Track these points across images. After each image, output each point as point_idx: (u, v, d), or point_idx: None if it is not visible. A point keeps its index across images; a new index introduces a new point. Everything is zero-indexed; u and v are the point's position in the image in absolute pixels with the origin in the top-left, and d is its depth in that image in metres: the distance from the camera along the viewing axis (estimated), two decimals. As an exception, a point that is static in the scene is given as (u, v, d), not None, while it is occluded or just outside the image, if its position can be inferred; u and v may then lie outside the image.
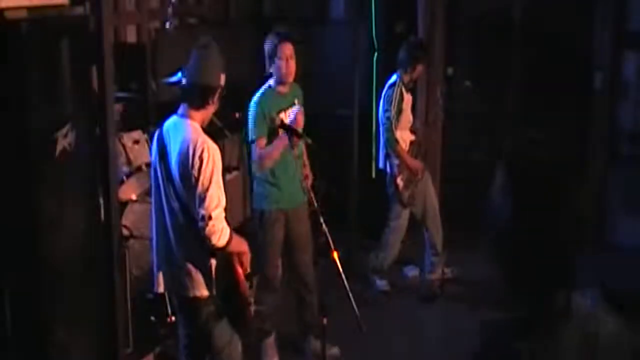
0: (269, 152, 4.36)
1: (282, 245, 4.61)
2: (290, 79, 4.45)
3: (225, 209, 3.47)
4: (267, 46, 4.42)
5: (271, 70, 4.45)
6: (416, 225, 5.93)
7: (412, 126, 5.75)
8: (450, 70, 6.95)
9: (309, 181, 4.61)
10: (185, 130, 3.48)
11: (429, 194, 5.85)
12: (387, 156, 5.67)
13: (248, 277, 3.66)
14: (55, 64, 3.62)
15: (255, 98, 4.45)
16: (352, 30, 6.35)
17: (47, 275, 3.63)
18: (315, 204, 4.05)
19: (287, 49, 4.38)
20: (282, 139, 4.32)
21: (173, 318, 4.49)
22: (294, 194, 4.53)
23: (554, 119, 6.69)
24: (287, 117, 4.43)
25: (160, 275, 3.68)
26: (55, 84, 3.64)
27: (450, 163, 6.88)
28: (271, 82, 4.49)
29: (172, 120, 3.60)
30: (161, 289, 3.73)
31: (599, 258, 6.58)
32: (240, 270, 3.60)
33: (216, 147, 3.47)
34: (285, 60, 4.37)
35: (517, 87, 6.84)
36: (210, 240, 3.41)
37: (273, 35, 4.44)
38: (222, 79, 3.57)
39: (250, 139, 4.41)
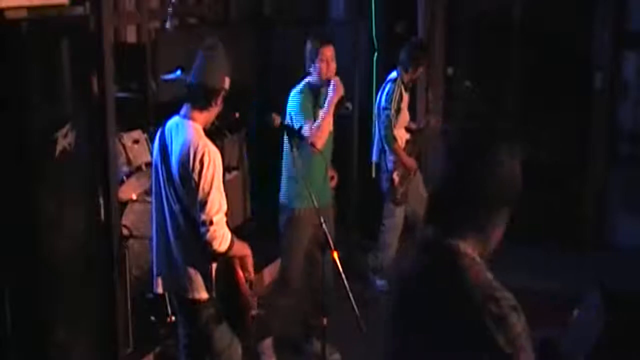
0: (321, 126, 4.41)
1: (306, 246, 4.63)
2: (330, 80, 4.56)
3: (225, 213, 3.47)
4: (308, 48, 4.55)
5: (310, 70, 4.56)
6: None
7: (408, 125, 5.77)
8: (450, 70, 6.95)
9: (335, 181, 4.72)
10: (187, 131, 3.46)
11: (421, 192, 5.86)
12: (381, 151, 5.69)
13: (248, 279, 3.65)
14: (55, 64, 3.62)
15: (296, 91, 4.54)
16: (352, 30, 6.35)
17: (47, 275, 3.63)
18: (316, 204, 4.05)
19: (329, 51, 4.51)
20: (329, 111, 4.44)
21: (173, 318, 4.49)
22: (324, 194, 4.56)
23: (554, 119, 6.69)
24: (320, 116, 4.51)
25: (160, 277, 3.68)
26: (55, 84, 3.63)
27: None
28: (309, 79, 4.58)
29: (174, 120, 3.58)
30: (160, 290, 3.73)
31: (599, 258, 6.59)
32: (241, 273, 3.59)
33: (217, 150, 3.46)
34: (326, 62, 4.49)
35: (517, 87, 6.85)
36: (211, 246, 3.39)
37: (314, 37, 4.57)
38: (227, 82, 3.55)
39: (298, 126, 4.41)
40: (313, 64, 4.53)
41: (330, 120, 4.49)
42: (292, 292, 4.67)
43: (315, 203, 3.98)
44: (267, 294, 4.67)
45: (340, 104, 4.53)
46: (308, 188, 4.03)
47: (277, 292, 4.70)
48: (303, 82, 4.59)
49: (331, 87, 4.51)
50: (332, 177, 4.74)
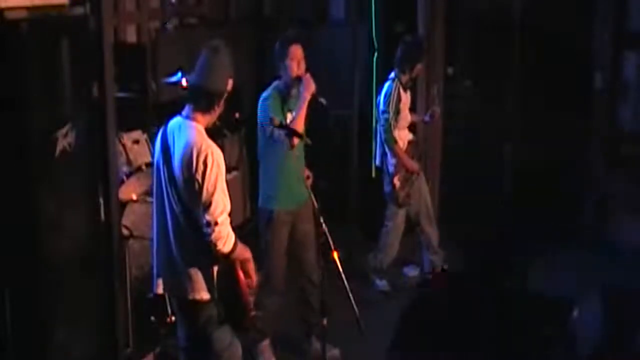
0: (295, 124, 4.34)
1: (286, 245, 4.62)
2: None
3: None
4: (277, 48, 4.47)
5: (281, 72, 4.48)
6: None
7: (410, 125, 5.76)
8: (450, 70, 6.95)
9: (310, 181, 4.66)
10: (189, 133, 3.46)
11: (423, 193, 5.86)
12: (383, 154, 5.68)
13: (249, 282, 3.63)
14: (55, 64, 3.62)
15: (265, 94, 4.47)
16: (352, 30, 6.35)
17: (47, 275, 3.63)
18: (316, 204, 4.05)
19: (298, 50, 4.43)
20: (302, 109, 4.34)
21: (173, 318, 4.49)
22: (301, 194, 4.55)
23: (554, 119, 6.69)
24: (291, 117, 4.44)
25: (160, 278, 3.68)
26: (55, 83, 3.63)
27: (449, 162, 6.89)
28: (279, 82, 4.52)
29: (176, 121, 3.57)
30: (160, 291, 3.73)
31: (599, 258, 6.61)
32: (242, 276, 3.58)
33: (220, 151, 3.45)
34: (296, 61, 4.42)
35: (517, 87, 6.84)
36: (216, 246, 3.39)
37: (283, 37, 4.49)
38: (230, 83, 3.54)
39: (271, 125, 4.32)
40: (283, 63, 4.44)
41: (303, 119, 4.39)
42: (279, 292, 4.67)
43: (315, 203, 3.98)
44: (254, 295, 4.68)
45: (313, 100, 4.42)
46: (304, 187, 4.01)
47: (262, 292, 4.69)
48: (271, 87, 4.52)
49: (302, 84, 4.41)
50: (308, 177, 4.66)
